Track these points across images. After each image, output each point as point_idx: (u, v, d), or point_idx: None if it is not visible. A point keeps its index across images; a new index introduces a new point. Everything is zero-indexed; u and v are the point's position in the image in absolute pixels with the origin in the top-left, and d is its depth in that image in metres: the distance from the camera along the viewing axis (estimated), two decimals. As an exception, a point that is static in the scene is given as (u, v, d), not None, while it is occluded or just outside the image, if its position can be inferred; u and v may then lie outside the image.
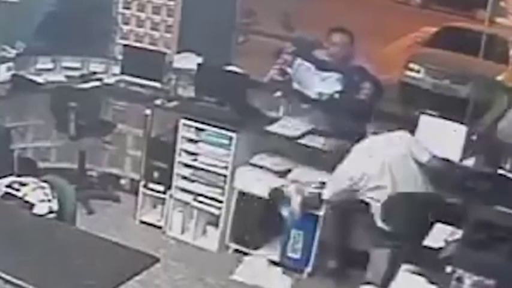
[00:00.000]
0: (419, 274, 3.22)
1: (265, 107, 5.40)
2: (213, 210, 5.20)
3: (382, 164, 4.30)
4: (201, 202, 5.24)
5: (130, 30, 6.14)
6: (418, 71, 6.02)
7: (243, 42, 6.40)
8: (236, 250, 5.18)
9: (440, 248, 3.44)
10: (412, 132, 4.65)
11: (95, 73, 6.01)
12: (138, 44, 6.07)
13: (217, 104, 5.34)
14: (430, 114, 4.69)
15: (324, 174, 4.75)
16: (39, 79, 5.75)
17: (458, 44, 5.89)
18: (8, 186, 3.62)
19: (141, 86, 5.78)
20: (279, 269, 4.93)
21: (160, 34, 6.06)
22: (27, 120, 5.88)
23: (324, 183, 4.59)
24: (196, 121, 5.17)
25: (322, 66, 5.17)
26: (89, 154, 5.87)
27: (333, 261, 4.84)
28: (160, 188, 5.41)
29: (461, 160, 4.51)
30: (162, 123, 5.59)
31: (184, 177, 5.29)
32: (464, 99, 5.37)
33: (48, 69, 5.94)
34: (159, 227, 5.44)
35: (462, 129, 4.53)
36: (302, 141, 5.00)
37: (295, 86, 5.30)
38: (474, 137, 4.53)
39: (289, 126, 5.08)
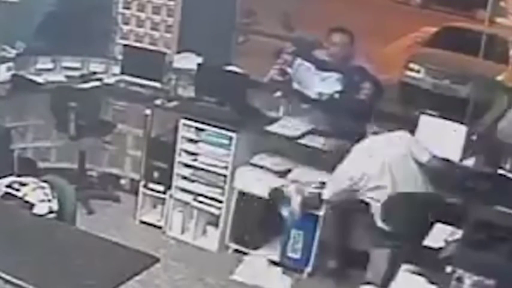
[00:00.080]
0: (419, 274, 3.22)
1: (265, 107, 5.40)
2: (213, 210, 5.21)
3: (382, 164, 4.30)
4: (201, 202, 5.24)
5: (130, 30, 6.14)
6: (418, 71, 6.03)
7: (243, 42, 6.40)
8: (236, 250, 5.18)
9: (440, 248, 3.44)
10: (412, 132, 4.65)
11: (95, 73, 6.01)
12: (138, 44, 6.07)
13: (217, 104, 5.34)
14: (430, 114, 4.69)
15: (324, 174, 4.75)
16: (39, 79, 5.75)
17: (458, 44, 5.89)
18: (8, 186, 3.62)
19: (141, 86, 5.78)
20: (279, 269, 4.93)
21: (160, 34, 6.06)
22: (27, 120, 5.88)
23: (324, 183, 4.60)
24: (196, 121, 5.17)
25: (322, 66, 5.17)
26: (89, 154, 5.87)
27: (333, 261, 4.84)
28: (160, 188, 5.41)
29: (461, 160, 4.51)
30: (162, 123, 5.59)
31: (184, 177, 5.29)
32: (464, 99, 5.37)
33: (48, 69, 5.94)
34: (159, 227, 5.44)
35: (462, 129, 4.53)
36: (302, 141, 5.00)
37: (295, 86, 5.30)
38: (474, 137, 4.53)
39: (289, 126, 5.08)
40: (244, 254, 5.10)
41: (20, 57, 5.71)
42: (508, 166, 4.36)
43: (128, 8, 6.12)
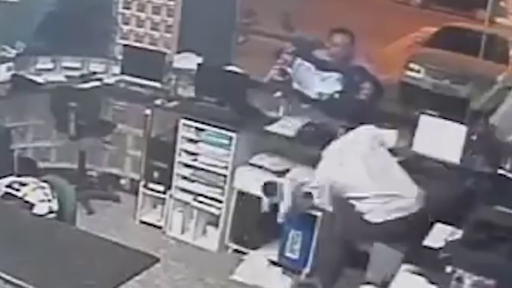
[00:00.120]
0: (419, 274, 3.22)
1: (265, 107, 5.40)
2: (213, 210, 5.21)
3: (356, 172, 4.28)
4: (201, 202, 5.24)
5: (131, 30, 6.14)
6: (418, 71, 6.02)
7: (243, 42, 6.40)
8: (236, 250, 5.18)
9: (440, 248, 3.44)
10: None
11: (95, 73, 6.01)
12: (138, 44, 6.07)
13: (217, 104, 5.34)
14: (430, 114, 4.69)
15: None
16: (39, 79, 5.75)
17: (458, 44, 5.89)
18: (8, 186, 3.62)
19: (141, 86, 5.78)
20: (278, 269, 4.93)
21: (160, 34, 6.06)
22: (27, 120, 5.88)
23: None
24: (196, 121, 5.17)
25: (322, 66, 5.17)
26: (89, 154, 5.87)
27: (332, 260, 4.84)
28: (160, 188, 5.41)
29: (461, 160, 4.51)
30: (162, 123, 5.59)
31: (184, 177, 5.29)
32: (464, 99, 5.37)
33: (48, 69, 5.94)
34: (159, 227, 5.44)
35: (462, 129, 4.53)
36: (302, 141, 5.00)
37: (295, 86, 5.30)
38: (474, 137, 4.53)
39: (289, 126, 5.08)
40: (244, 254, 5.10)
41: (20, 57, 5.71)
42: (508, 166, 4.36)
43: (128, 8, 6.12)
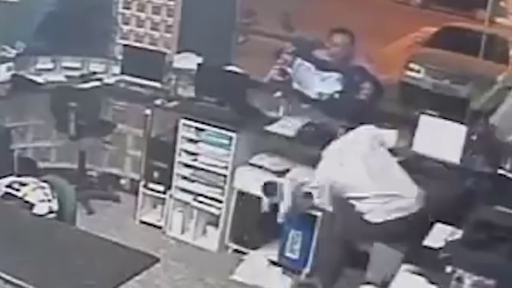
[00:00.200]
0: (419, 274, 3.22)
1: (265, 107, 5.40)
2: (213, 210, 5.21)
3: (356, 172, 4.29)
4: (201, 202, 5.24)
5: (131, 30, 6.14)
6: (418, 71, 6.02)
7: (243, 42, 6.40)
8: (236, 250, 5.18)
9: (440, 248, 3.44)
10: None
11: (95, 73, 6.01)
12: (138, 44, 6.07)
13: (217, 104, 5.34)
14: (430, 114, 4.69)
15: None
16: (39, 79, 5.75)
17: (458, 44, 5.89)
18: (8, 186, 3.62)
19: (141, 86, 5.78)
20: (278, 269, 4.93)
21: (160, 34, 6.06)
22: (27, 120, 5.88)
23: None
24: (196, 121, 5.17)
25: (322, 66, 5.17)
26: (89, 154, 5.87)
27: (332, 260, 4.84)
28: (160, 188, 5.41)
29: (461, 160, 4.51)
30: (162, 123, 5.59)
31: (184, 177, 5.29)
32: (464, 99, 5.37)
33: (48, 69, 5.94)
34: (159, 227, 5.44)
35: (462, 129, 4.53)
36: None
37: (295, 86, 5.30)
38: (474, 137, 4.53)
39: (289, 126, 5.08)
40: (244, 254, 5.10)
41: (20, 57, 5.71)
42: (508, 166, 4.36)
43: (128, 8, 6.12)
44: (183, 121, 5.20)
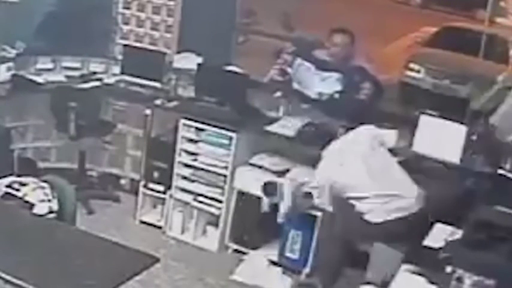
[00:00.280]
0: (419, 274, 3.22)
1: (265, 107, 5.40)
2: (213, 210, 5.21)
3: (356, 172, 4.29)
4: (201, 202, 5.24)
5: (131, 30, 6.14)
6: (418, 71, 6.02)
7: (243, 42, 6.40)
8: (236, 250, 5.18)
9: (440, 248, 3.44)
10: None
11: (95, 73, 6.01)
12: (138, 44, 6.07)
13: (217, 104, 5.34)
14: (430, 114, 4.69)
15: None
16: (39, 79, 5.75)
17: (458, 44, 5.89)
18: (8, 186, 3.62)
19: (141, 86, 5.78)
20: (278, 269, 4.93)
21: (160, 34, 6.06)
22: (27, 120, 5.88)
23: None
24: (196, 121, 5.17)
25: (322, 66, 5.17)
26: (89, 154, 5.87)
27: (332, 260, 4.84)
28: (160, 188, 5.41)
29: (461, 160, 4.51)
30: (162, 123, 5.59)
31: (184, 177, 5.29)
32: (464, 99, 5.37)
33: (48, 69, 5.94)
34: (159, 227, 5.44)
35: (462, 129, 4.53)
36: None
37: (295, 86, 5.30)
38: (474, 137, 4.53)
39: (289, 126, 5.08)
40: (244, 254, 5.10)
41: (20, 57, 5.71)
42: (508, 166, 4.36)
43: (128, 8, 6.12)
44: (183, 121, 5.21)
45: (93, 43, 6.04)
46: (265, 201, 4.66)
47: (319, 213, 4.71)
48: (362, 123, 4.55)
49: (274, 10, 6.28)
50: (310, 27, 5.75)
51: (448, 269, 3.06)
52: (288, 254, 4.94)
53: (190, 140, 5.23)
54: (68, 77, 5.90)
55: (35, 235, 3.21)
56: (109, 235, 3.62)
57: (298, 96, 5.30)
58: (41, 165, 5.77)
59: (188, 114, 5.24)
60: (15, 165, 5.30)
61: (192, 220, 5.33)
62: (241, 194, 5.08)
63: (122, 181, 6.05)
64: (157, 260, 3.16)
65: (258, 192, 4.74)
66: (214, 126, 5.10)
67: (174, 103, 5.51)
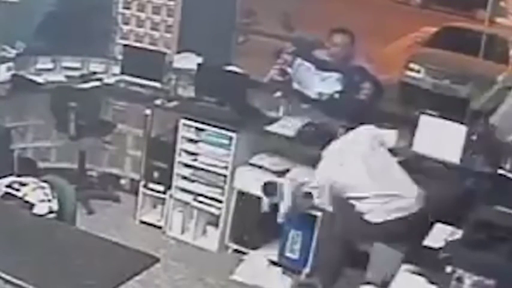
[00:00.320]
0: (419, 274, 3.22)
1: (265, 107, 5.40)
2: (213, 210, 5.21)
3: (356, 172, 4.29)
4: (201, 202, 5.24)
5: (131, 30, 6.14)
6: (418, 71, 6.02)
7: (243, 42, 6.40)
8: (236, 250, 5.18)
9: (440, 248, 3.44)
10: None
11: (95, 73, 6.01)
12: (138, 44, 6.07)
13: (217, 104, 5.34)
14: (430, 114, 4.69)
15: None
16: (39, 79, 5.75)
17: (458, 44, 5.89)
18: (8, 186, 3.62)
19: (141, 86, 5.78)
20: (278, 269, 4.93)
21: (160, 34, 6.06)
22: (27, 120, 5.88)
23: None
24: (196, 121, 5.17)
25: (322, 66, 5.17)
26: (89, 154, 5.87)
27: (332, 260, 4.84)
28: (160, 188, 5.41)
29: (461, 160, 4.51)
30: (162, 123, 5.59)
31: (184, 177, 5.29)
32: (464, 99, 5.37)
33: (48, 69, 5.94)
34: (159, 227, 5.44)
35: (462, 129, 4.53)
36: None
37: (295, 86, 5.30)
38: (474, 137, 4.53)
39: (289, 126, 5.08)
40: (244, 254, 5.10)
41: (20, 57, 5.71)
42: (508, 166, 4.36)
43: (128, 8, 6.12)
44: (183, 121, 5.21)
45: (93, 43, 6.04)
46: (265, 201, 4.66)
47: (319, 213, 4.71)
48: (362, 123, 4.55)
49: (274, 10, 6.28)
50: (310, 27, 5.75)
51: (448, 269, 3.06)
52: (288, 254, 4.94)
53: (190, 140, 5.23)
54: (68, 77, 5.90)
55: (35, 235, 3.21)
56: (109, 235, 3.62)
57: (298, 96, 5.30)
58: (41, 165, 5.77)
59: (188, 114, 5.24)
60: (15, 165, 5.30)
61: (192, 220, 5.33)
62: (241, 194, 5.08)
63: (122, 181, 6.05)
64: (157, 260, 3.16)
65: (258, 192, 4.74)
66: (214, 126, 5.10)
67: (174, 103, 5.51)
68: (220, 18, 6.05)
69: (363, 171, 4.28)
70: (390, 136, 4.52)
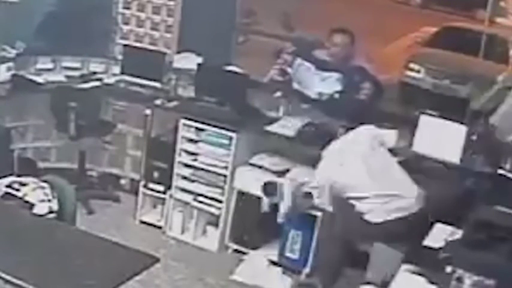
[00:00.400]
0: (419, 274, 3.22)
1: (265, 107, 5.40)
2: (213, 210, 5.21)
3: (355, 172, 4.29)
4: (201, 202, 5.24)
5: (131, 30, 6.14)
6: (418, 71, 6.03)
7: (243, 42, 6.41)
8: (236, 250, 5.18)
9: (440, 248, 3.44)
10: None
11: (95, 73, 6.01)
12: (138, 44, 6.07)
13: (217, 104, 5.34)
14: (430, 114, 4.69)
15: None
16: (39, 79, 5.75)
17: (458, 44, 5.89)
18: (8, 186, 3.62)
19: (141, 86, 5.78)
20: (278, 269, 4.93)
21: (160, 34, 6.06)
22: (27, 120, 5.88)
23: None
24: (196, 121, 5.17)
25: (322, 66, 5.17)
26: (89, 154, 5.87)
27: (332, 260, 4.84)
28: (160, 188, 5.41)
29: (461, 160, 4.51)
30: (162, 123, 5.59)
31: (184, 177, 5.29)
32: (464, 99, 5.37)
33: (48, 69, 5.94)
34: (159, 227, 5.44)
35: (462, 129, 4.53)
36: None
37: (295, 86, 5.30)
38: (474, 137, 4.53)
39: (289, 126, 5.08)
40: (244, 254, 5.10)
41: (20, 57, 5.71)
42: (508, 166, 4.36)
43: (128, 8, 6.12)
44: (183, 121, 5.20)
45: (93, 43, 6.04)
46: (265, 201, 4.67)
47: (319, 213, 4.71)
48: (362, 123, 4.55)
49: (274, 10, 6.28)
50: (310, 27, 5.75)
51: (448, 269, 3.06)
52: (288, 254, 4.94)
53: (190, 140, 5.23)
54: (68, 77, 5.90)
55: (35, 235, 3.21)
56: (109, 235, 3.62)
57: (298, 96, 5.30)
58: (41, 165, 5.76)
59: (188, 114, 5.24)
60: (15, 165, 5.30)
61: (192, 220, 5.33)
62: (241, 194, 5.08)
63: (122, 181, 6.05)
64: (157, 260, 3.16)
65: (258, 192, 4.74)
66: (214, 126, 5.10)
67: (174, 103, 5.51)
68: (220, 18, 6.05)
69: (363, 171, 4.28)
70: (390, 136, 4.52)
